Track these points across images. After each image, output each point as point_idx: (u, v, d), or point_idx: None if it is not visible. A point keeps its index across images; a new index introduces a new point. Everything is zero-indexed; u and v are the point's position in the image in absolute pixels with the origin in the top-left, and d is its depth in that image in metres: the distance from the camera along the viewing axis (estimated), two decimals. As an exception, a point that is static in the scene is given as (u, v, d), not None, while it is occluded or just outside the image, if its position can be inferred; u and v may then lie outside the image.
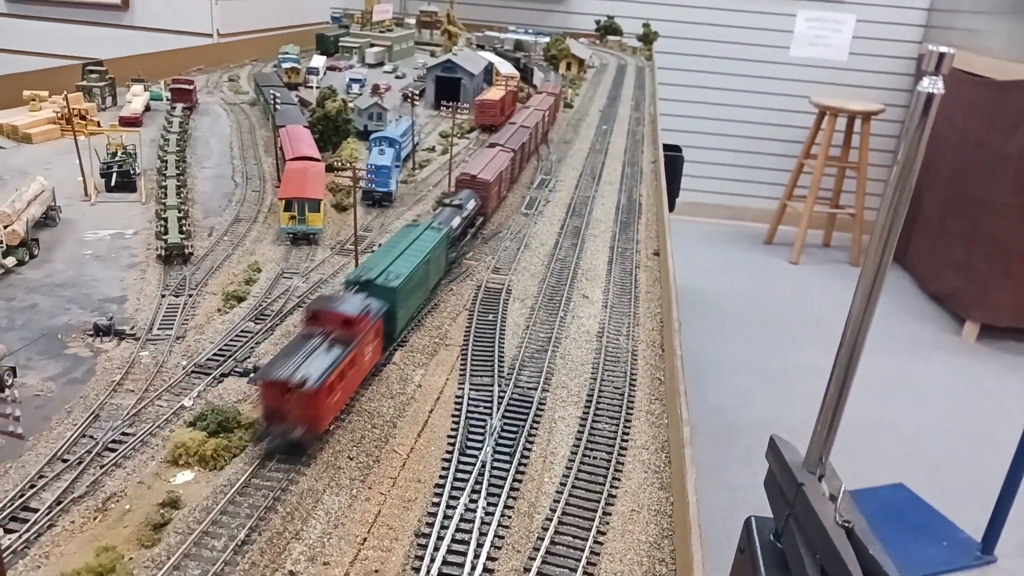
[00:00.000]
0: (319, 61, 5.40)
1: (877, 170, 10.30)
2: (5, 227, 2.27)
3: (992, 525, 4.72)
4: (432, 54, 6.79)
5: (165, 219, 2.55)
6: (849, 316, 1.05)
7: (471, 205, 2.46)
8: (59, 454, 1.49)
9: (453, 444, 1.59)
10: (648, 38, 8.11)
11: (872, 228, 0.96)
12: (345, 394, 1.65)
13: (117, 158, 3.04)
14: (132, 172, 3.03)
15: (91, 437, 1.56)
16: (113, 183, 2.97)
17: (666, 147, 4.27)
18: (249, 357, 1.89)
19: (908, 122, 0.92)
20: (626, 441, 1.66)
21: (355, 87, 4.92)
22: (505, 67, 5.23)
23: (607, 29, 8.40)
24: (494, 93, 4.40)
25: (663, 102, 9.08)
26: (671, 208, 6.31)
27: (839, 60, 9.91)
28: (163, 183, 2.93)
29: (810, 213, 9.42)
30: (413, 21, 7.83)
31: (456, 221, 2.34)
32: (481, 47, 6.69)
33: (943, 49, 0.85)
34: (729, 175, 10.88)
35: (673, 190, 5.84)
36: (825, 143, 9.21)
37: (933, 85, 0.88)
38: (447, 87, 4.65)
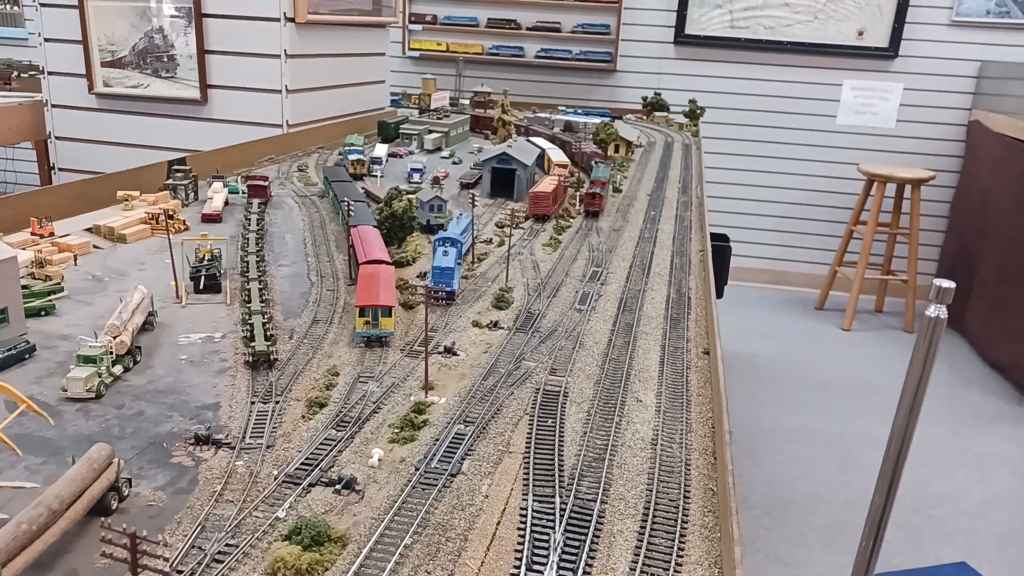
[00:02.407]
0: (382, 150, 5.74)
1: (929, 235, 10.25)
2: (115, 338, 2.53)
3: (1060, 612, 4.60)
4: (486, 137, 7.12)
5: (251, 325, 2.79)
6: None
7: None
8: (174, 566, 1.68)
9: (520, 559, 1.74)
10: (694, 114, 8.34)
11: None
12: (603, 203, 4.75)
13: (205, 262, 3.32)
14: (218, 274, 3.31)
15: (200, 548, 1.75)
16: (201, 286, 3.25)
17: (713, 236, 4.43)
18: (333, 467, 2.09)
19: (917, 343, 1.07)
20: (681, 557, 1.78)
21: (416, 176, 5.22)
22: (556, 154, 5.49)
23: (654, 105, 8.66)
24: (547, 184, 4.63)
25: (709, 170, 9.25)
26: (720, 295, 6.42)
27: (887, 127, 10.00)
28: (246, 285, 3.19)
29: (861, 279, 9.39)
30: (467, 102, 8.21)
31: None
32: (532, 131, 6.99)
33: (946, 284, 1.01)
34: (776, 241, 10.94)
35: (721, 279, 5.98)
36: (874, 210, 9.24)
37: (939, 311, 1.03)
38: (502, 178, 4.92)
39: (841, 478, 6.59)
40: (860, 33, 10.10)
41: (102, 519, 1.71)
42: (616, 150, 6.33)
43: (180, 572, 1.68)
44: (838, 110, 10.18)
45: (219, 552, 1.74)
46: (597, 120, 7.14)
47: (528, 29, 11.02)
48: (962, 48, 9.88)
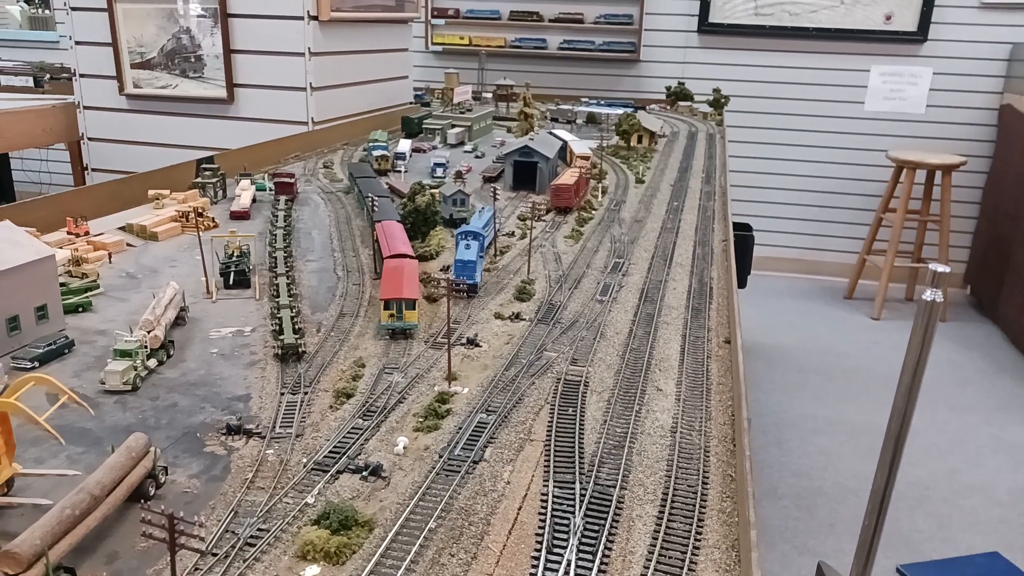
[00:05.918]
0: (405, 145, 5.80)
1: (960, 222, 10.10)
2: (149, 332, 2.62)
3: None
4: (508, 130, 7.15)
5: (280, 318, 2.87)
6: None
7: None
8: (209, 549, 1.75)
9: (541, 542, 1.79)
10: (718, 103, 8.29)
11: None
12: None
13: (234, 259, 3.40)
14: (247, 270, 3.39)
15: (233, 532, 1.82)
16: (231, 281, 3.34)
17: (736, 226, 4.42)
18: (360, 454, 2.15)
19: (915, 326, 1.10)
20: (699, 540, 1.81)
21: (439, 171, 5.28)
22: (579, 146, 5.51)
23: (678, 95, 8.63)
24: (568, 177, 4.66)
25: (737, 160, 9.20)
26: (743, 284, 6.40)
27: (916, 113, 9.85)
28: (275, 280, 3.27)
29: (891, 267, 9.28)
30: (491, 95, 8.25)
31: None
32: (555, 120, 7.01)
33: (941, 268, 1.03)
34: (805, 229, 10.84)
35: (744, 268, 5.96)
36: (904, 197, 9.12)
37: (935, 295, 1.05)
38: (524, 170, 4.96)
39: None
40: (888, 17, 9.94)
41: (141, 502, 1.78)
42: (639, 140, 6.33)
43: (215, 555, 1.75)
44: (866, 96, 10.04)
45: (251, 536, 1.81)
46: (620, 111, 7.14)
47: (550, 21, 11.01)
48: (993, 31, 9.69)
